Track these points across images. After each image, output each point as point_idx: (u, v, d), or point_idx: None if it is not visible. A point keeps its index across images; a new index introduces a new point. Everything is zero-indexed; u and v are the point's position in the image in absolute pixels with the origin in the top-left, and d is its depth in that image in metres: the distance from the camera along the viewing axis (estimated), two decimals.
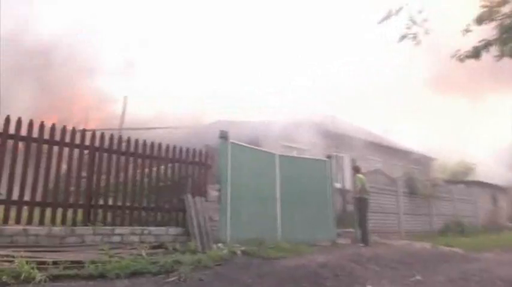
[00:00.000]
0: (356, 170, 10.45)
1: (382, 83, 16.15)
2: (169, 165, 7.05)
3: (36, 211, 5.51)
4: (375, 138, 18.35)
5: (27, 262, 4.30)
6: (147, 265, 5.00)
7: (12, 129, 5.35)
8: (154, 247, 6.13)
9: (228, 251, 6.57)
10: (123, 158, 6.42)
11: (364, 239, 9.85)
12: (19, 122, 5.35)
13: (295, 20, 25.14)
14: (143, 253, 5.35)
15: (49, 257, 4.73)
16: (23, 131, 5.44)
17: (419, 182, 13.01)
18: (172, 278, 4.81)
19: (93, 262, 4.80)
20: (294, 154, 13.06)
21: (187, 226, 6.77)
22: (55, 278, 4.29)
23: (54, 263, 4.67)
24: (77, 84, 16.17)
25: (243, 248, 6.83)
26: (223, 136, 7.85)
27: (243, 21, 24.29)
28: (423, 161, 19.60)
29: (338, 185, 13.59)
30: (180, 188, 7.07)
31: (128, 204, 6.41)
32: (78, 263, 4.74)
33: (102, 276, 4.56)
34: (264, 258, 6.59)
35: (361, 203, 10.16)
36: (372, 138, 18.03)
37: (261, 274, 5.51)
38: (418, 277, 6.15)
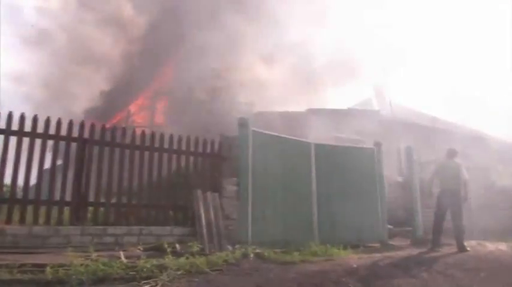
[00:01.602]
0: (451, 154, 8.11)
1: None
2: (175, 157, 6.29)
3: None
4: (444, 125, 16.19)
5: None
6: (120, 270, 4.27)
7: None
8: (149, 249, 5.42)
9: (240, 254, 5.65)
10: (118, 151, 5.79)
11: (460, 243, 7.47)
12: None
13: None
14: (122, 255, 4.63)
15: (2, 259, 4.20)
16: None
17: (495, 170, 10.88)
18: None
19: (60, 265, 4.18)
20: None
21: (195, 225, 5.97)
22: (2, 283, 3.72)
23: (20, 266, 4.15)
24: None
25: (258, 250, 5.86)
26: (243, 124, 6.93)
27: None
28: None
29: (399, 179, 11.94)
30: (187, 183, 6.29)
31: (124, 201, 5.78)
32: (41, 267, 4.15)
33: (60, 282, 3.91)
34: (280, 262, 5.54)
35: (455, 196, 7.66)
36: (439, 124, 15.93)
37: (263, 282, 4.50)
38: None
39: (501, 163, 12.97)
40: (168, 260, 4.79)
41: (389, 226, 9.78)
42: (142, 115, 17.74)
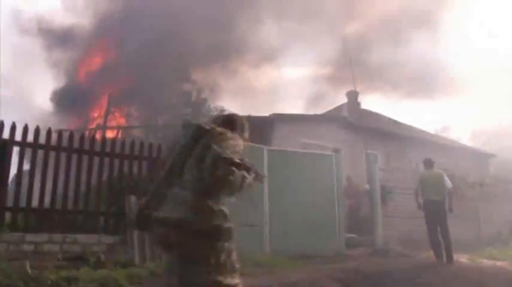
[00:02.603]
0: (429, 164, 7.81)
1: None
2: (107, 161, 5.89)
3: None
4: (418, 133, 16.05)
5: None
6: (19, 282, 3.86)
7: None
8: (70, 259, 5.01)
9: None
10: (41, 153, 5.37)
11: (449, 255, 7.14)
12: None
13: None
14: (27, 265, 4.22)
15: None
16: None
17: (462, 181, 10.68)
18: None
19: None
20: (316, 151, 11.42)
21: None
22: None
23: None
24: None
25: None
26: (187, 126, 6.57)
27: None
28: (478, 158, 16.82)
29: (367, 187, 11.69)
30: (123, 188, 5.90)
31: (46, 207, 5.35)
32: None
33: None
34: None
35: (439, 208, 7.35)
36: (413, 133, 15.79)
37: None
38: None
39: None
40: (83, 271, 4.41)
41: (351, 235, 9.53)
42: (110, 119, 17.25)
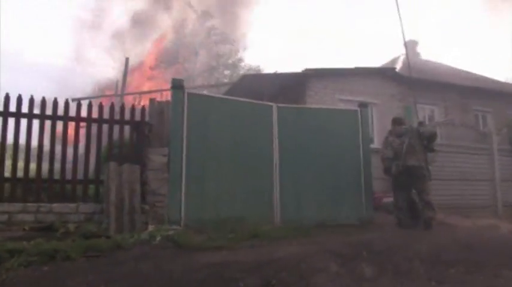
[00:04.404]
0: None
1: None
2: (84, 126, 5.50)
3: None
4: (484, 83, 13.81)
5: None
6: None
7: None
8: (39, 229, 4.77)
9: (147, 236, 4.85)
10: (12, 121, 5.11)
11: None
12: None
13: None
14: None
15: None
16: None
17: None
18: None
19: None
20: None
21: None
22: None
23: None
24: None
25: (172, 231, 5.00)
26: (177, 86, 5.97)
27: None
28: None
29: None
30: (104, 155, 5.52)
31: (20, 175, 5.14)
32: None
33: None
34: (191, 248, 4.62)
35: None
36: (472, 82, 13.60)
37: (121, 277, 3.64)
38: None
39: None
40: (34, 243, 4.11)
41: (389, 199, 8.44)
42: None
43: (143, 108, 5.80)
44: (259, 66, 15.20)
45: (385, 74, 11.86)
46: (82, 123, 5.55)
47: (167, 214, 5.57)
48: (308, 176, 6.80)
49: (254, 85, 10.54)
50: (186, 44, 15.66)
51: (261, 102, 6.90)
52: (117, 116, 5.66)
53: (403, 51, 15.86)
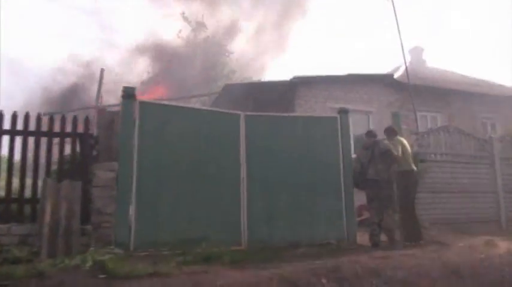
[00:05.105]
0: (391, 132, 6.78)
1: None
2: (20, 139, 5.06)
3: None
4: (490, 89, 12.96)
5: None
6: None
7: None
8: None
9: (79, 261, 4.33)
10: None
11: (411, 234, 6.38)
12: None
13: None
14: None
15: None
16: None
17: None
18: None
19: None
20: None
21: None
22: None
23: None
24: None
25: (107, 256, 4.46)
26: (128, 94, 5.50)
27: None
28: None
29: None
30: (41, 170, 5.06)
31: None
32: None
33: None
34: (120, 276, 4.06)
35: (406, 179, 6.52)
36: (485, 89, 12.76)
37: None
38: None
39: None
40: None
41: None
42: None
43: (87, 119, 5.33)
44: (251, 77, 14.74)
45: (382, 81, 11.19)
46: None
47: (114, 235, 5.05)
48: (281, 192, 6.19)
49: (239, 96, 10.05)
50: (180, 56, 15.35)
51: (226, 111, 6.37)
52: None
53: (408, 58, 15.29)
